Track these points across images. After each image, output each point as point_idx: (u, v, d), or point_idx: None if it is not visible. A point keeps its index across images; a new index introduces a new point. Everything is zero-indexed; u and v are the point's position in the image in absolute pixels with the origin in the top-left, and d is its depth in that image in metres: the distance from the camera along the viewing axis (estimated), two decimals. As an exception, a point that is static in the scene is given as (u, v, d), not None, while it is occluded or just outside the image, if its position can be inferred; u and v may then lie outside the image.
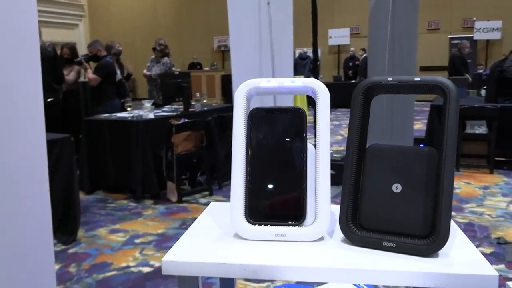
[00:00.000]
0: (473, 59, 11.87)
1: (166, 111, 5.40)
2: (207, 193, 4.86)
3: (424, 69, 12.38)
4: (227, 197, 4.74)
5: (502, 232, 3.53)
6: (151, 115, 4.91)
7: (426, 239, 0.67)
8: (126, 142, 4.68)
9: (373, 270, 0.64)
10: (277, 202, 0.74)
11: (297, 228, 0.73)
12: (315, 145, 0.75)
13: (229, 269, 0.64)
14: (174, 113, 5.16)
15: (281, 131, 0.76)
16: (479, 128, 5.31)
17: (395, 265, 0.64)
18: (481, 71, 10.47)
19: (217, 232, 0.78)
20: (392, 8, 5.37)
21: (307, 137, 0.76)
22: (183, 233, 0.78)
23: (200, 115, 5.29)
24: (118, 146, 4.76)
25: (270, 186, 0.75)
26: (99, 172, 4.87)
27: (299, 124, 0.75)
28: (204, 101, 5.73)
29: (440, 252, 0.67)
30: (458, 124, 0.68)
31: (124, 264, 3.18)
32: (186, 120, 4.77)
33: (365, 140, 0.74)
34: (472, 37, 12.23)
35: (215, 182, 5.06)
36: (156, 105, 5.46)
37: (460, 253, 0.68)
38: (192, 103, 5.65)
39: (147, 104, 5.00)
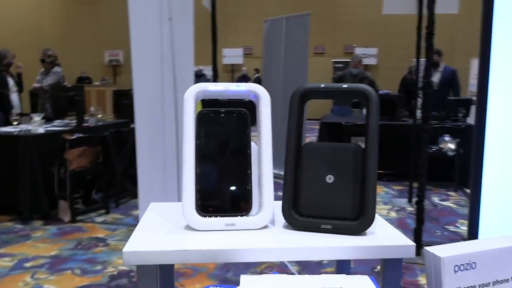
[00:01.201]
0: (354, 82, 13.06)
1: (57, 125, 5.09)
2: (103, 211, 4.66)
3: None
4: (125, 215, 4.60)
5: (385, 236, 3.93)
6: (41, 130, 4.60)
7: (357, 220, 0.79)
8: (11, 159, 4.31)
9: (313, 247, 0.74)
10: (225, 195, 0.81)
11: (244, 218, 0.80)
12: (257, 143, 0.84)
13: (190, 255, 0.69)
14: (67, 128, 4.90)
15: (227, 131, 0.83)
16: (361, 144, 5.85)
17: (333, 243, 0.75)
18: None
19: (167, 226, 0.82)
20: (285, 33, 5.74)
21: (251, 136, 0.84)
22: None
23: (95, 130, 5.07)
24: (2, 163, 4.37)
25: (219, 181, 0.81)
26: (-22, 192, 4.42)
27: (243, 124, 0.83)
28: (99, 115, 5.52)
29: (368, 230, 0.80)
30: (378, 123, 0.81)
31: (13, 290, 2.93)
32: (81, 135, 4.56)
33: (301, 139, 0.85)
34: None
35: (112, 199, 4.88)
36: (46, 120, 5.13)
37: (383, 230, 0.82)
38: (86, 117, 5.40)
39: (36, 118, 4.68)
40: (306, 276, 0.72)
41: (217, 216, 0.80)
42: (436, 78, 6.42)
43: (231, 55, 14.00)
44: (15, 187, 4.31)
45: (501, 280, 0.67)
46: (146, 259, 0.69)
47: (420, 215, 3.47)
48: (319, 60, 13.62)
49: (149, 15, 3.73)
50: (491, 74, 0.93)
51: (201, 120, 0.82)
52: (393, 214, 4.58)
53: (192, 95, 0.82)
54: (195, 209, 0.79)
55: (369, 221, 0.78)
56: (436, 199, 5.10)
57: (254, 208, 0.81)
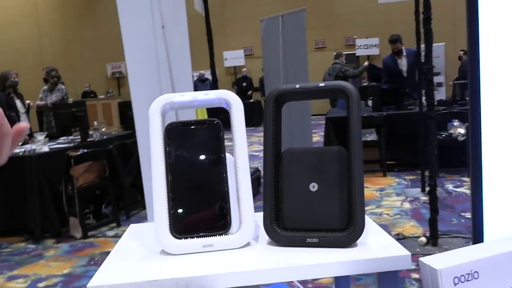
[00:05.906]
0: (357, 74, 12.91)
1: (61, 143, 5.08)
2: (114, 224, 4.64)
3: (314, 84, 13.13)
4: (136, 227, 4.57)
5: (400, 228, 3.83)
6: (46, 148, 4.59)
7: (345, 231, 0.72)
8: (18, 180, 4.31)
9: (300, 266, 0.67)
10: (201, 214, 0.75)
11: (223, 237, 0.74)
12: (233, 154, 0.77)
13: (161, 286, 0.63)
14: (71, 145, 4.88)
15: (199, 144, 0.76)
16: (370, 136, 5.75)
17: (320, 259, 0.68)
18: (366, 83, 11.40)
19: (142, 251, 0.76)
20: (282, 30, 5.66)
21: (225, 146, 0.77)
22: (93, 269, 0.74)
23: (99, 144, 5.05)
24: (10, 185, 4.36)
25: (193, 198, 0.75)
26: (-13, 215, 4.42)
27: (216, 135, 0.77)
28: (103, 129, 5.50)
29: (358, 241, 0.72)
30: (361, 123, 0.74)
31: (28, 312, 2.91)
32: (85, 150, 4.54)
33: (279, 145, 0.78)
34: (355, 53, 13.30)
35: (122, 212, 4.85)
36: (50, 137, 5.12)
37: (375, 240, 0.74)
38: (90, 132, 5.39)
39: (40, 136, 4.67)
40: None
41: (194, 237, 0.73)
42: (403, 64, 6.27)
43: (232, 57, 13.93)
44: (25, 207, 4.31)
45: (508, 289, 0.59)
46: (113, 294, 0.63)
47: (434, 205, 3.37)
48: (321, 54, 13.51)
49: (141, 25, 3.68)
50: (481, 56, 0.85)
51: (170, 134, 0.76)
52: (407, 205, 4.47)
53: (157, 108, 0.76)
54: (169, 231, 0.73)
55: (359, 231, 0.71)
56: (450, 186, 4.98)
57: (234, 226, 0.75)
